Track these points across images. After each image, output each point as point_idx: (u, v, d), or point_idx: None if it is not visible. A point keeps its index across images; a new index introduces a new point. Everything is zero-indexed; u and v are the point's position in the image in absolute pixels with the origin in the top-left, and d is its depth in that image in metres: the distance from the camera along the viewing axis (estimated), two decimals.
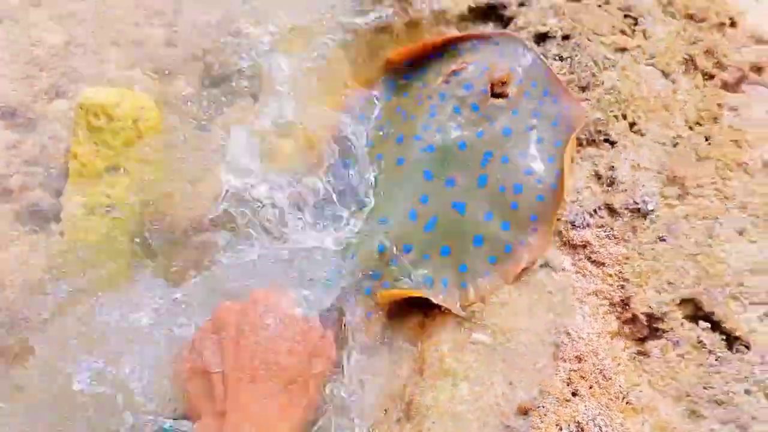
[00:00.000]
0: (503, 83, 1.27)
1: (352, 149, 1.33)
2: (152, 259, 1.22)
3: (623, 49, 1.42)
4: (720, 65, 1.49)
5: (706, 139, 1.34)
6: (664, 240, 1.19)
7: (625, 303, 1.14)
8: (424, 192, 1.20)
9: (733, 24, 1.59)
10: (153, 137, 1.24)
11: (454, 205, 1.18)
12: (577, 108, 1.26)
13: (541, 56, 1.34)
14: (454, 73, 1.29)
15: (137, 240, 1.21)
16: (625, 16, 1.49)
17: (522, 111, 1.27)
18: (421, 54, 1.39)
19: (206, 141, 1.34)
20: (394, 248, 1.16)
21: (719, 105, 1.42)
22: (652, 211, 1.21)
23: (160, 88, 1.34)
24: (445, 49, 1.37)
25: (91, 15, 1.39)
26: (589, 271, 1.18)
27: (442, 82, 1.30)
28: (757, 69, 1.52)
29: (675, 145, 1.32)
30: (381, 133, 1.34)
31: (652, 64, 1.43)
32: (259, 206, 1.27)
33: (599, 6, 1.48)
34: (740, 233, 1.23)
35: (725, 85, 1.48)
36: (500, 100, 1.27)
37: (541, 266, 1.19)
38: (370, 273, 1.15)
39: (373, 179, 1.27)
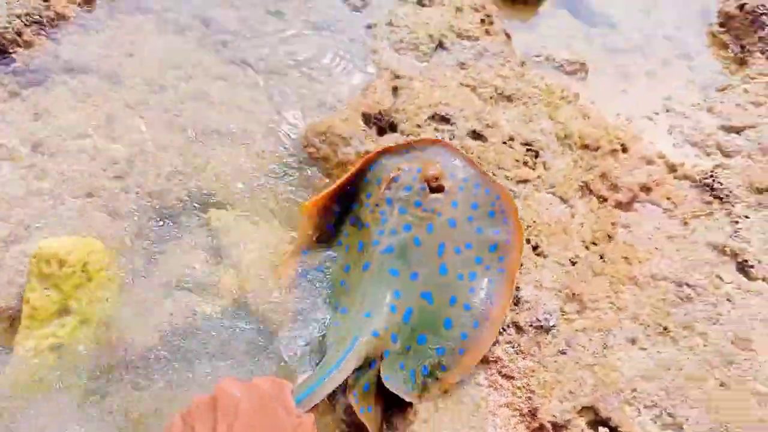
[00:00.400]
0: (437, 178, 1.48)
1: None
2: (103, 394, 1.34)
3: (525, 181, 1.68)
4: (614, 187, 1.75)
5: (601, 257, 1.57)
6: (565, 353, 1.38)
7: (532, 413, 1.30)
8: (395, 288, 1.36)
9: (624, 150, 1.88)
10: (101, 278, 1.40)
11: (422, 295, 1.36)
12: (505, 195, 1.49)
13: (465, 154, 1.58)
14: (393, 179, 1.49)
15: (87, 377, 1.33)
16: (528, 150, 1.76)
17: (460, 202, 1.48)
18: (360, 168, 1.58)
19: (154, 276, 1.51)
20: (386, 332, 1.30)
21: (613, 224, 1.66)
22: (553, 326, 1.41)
23: (110, 230, 1.52)
24: (380, 159, 1.58)
25: (50, 168, 1.59)
26: (501, 385, 1.35)
27: (385, 189, 1.49)
28: (647, 188, 1.79)
29: (573, 264, 1.54)
30: (341, 245, 1.52)
31: (552, 193, 1.68)
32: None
33: (504, 143, 1.75)
34: (632, 342, 1.43)
35: (619, 205, 1.74)
36: (439, 194, 1.48)
37: (459, 382, 1.35)
38: (368, 363, 1.28)
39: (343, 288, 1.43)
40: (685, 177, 1.91)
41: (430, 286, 1.37)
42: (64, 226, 1.51)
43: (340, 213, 1.56)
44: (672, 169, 1.93)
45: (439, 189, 1.48)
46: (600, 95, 2.26)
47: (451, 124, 1.77)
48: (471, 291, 1.37)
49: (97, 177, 1.59)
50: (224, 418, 0.91)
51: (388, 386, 1.25)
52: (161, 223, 1.56)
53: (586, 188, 1.72)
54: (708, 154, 2.07)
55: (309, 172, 1.72)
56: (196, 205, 1.60)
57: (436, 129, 1.76)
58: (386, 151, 1.59)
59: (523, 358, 1.38)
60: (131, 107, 1.74)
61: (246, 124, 1.79)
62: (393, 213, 1.45)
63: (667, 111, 2.27)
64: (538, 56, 2.34)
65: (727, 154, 2.04)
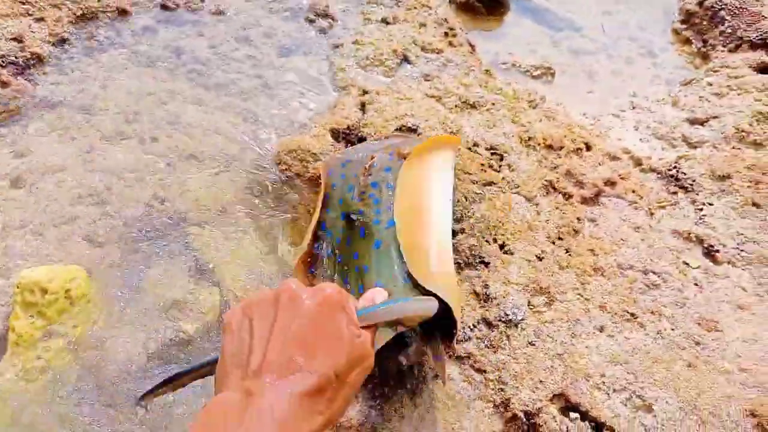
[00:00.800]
0: (408, 155, 1.56)
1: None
2: (90, 414, 1.40)
3: (491, 183, 1.75)
4: (579, 184, 1.83)
5: (567, 251, 1.64)
6: (534, 344, 1.44)
7: (505, 404, 1.36)
8: None
9: (588, 148, 1.96)
10: (84, 302, 1.47)
11: None
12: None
13: (415, 136, 1.72)
14: (372, 165, 1.57)
15: (74, 398, 1.39)
16: (492, 154, 1.85)
17: None
18: (335, 161, 1.67)
19: (137, 298, 1.58)
20: None
21: (578, 219, 1.74)
22: (522, 320, 1.48)
23: (91, 256, 1.59)
24: (346, 158, 1.67)
25: (30, 201, 1.66)
26: (474, 379, 1.41)
27: (366, 176, 1.56)
28: (612, 183, 1.87)
29: (540, 259, 1.61)
30: (339, 243, 1.54)
31: (517, 192, 1.76)
32: None
33: (469, 149, 1.83)
34: (600, 330, 1.50)
35: (584, 201, 1.81)
36: None
37: (434, 377, 1.41)
38: None
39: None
40: (651, 170, 2.00)
41: None
42: (47, 255, 1.58)
43: (329, 211, 1.62)
44: (638, 162, 2.02)
45: None
46: (567, 97, 2.36)
47: (418, 134, 1.85)
48: None
49: (75, 206, 1.66)
50: (284, 314, 0.87)
51: None
52: (142, 246, 1.63)
53: (550, 186, 1.79)
54: (674, 147, 2.16)
55: (283, 188, 1.79)
56: (175, 227, 1.67)
57: None
58: (353, 146, 1.69)
59: (494, 352, 1.44)
60: (108, 137, 1.82)
61: (221, 146, 1.87)
62: (382, 192, 1.52)
63: (634, 107, 2.36)
64: (504, 63, 2.44)
65: (692, 145, 2.12)
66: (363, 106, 1.97)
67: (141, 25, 2.13)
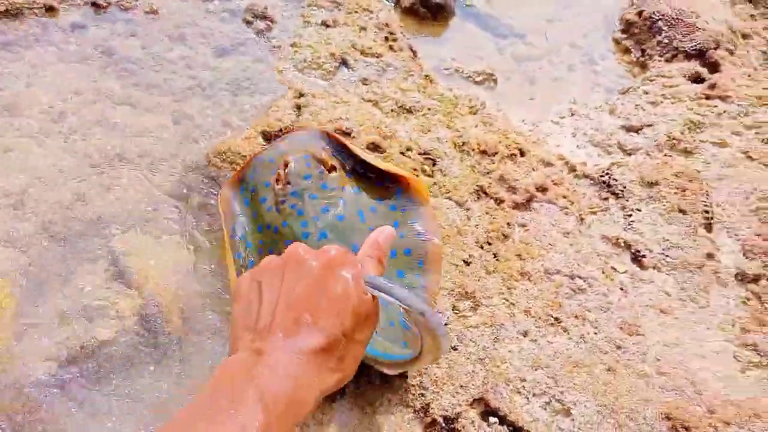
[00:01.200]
0: (326, 161, 1.56)
1: None
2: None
3: None
4: (511, 189, 1.85)
5: (495, 256, 1.66)
6: (456, 349, 1.45)
7: (425, 409, 1.36)
8: None
9: (522, 154, 1.99)
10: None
11: None
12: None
13: (322, 130, 1.71)
14: (288, 173, 1.52)
15: None
16: (425, 158, 1.85)
17: (351, 171, 1.62)
18: (242, 176, 1.63)
19: (52, 305, 1.53)
20: None
21: (509, 224, 1.75)
22: (445, 324, 1.48)
23: (6, 261, 1.54)
24: (255, 165, 1.63)
25: None
26: (394, 384, 1.40)
27: (285, 184, 1.52)
28: (543, 189, 1.90)
29: (468, 264, 1.62)
30: (261, 254, 1.51)
31: (449, 197, 1.76)
32: None
33: (402, 153, 1.83)
34: (524, 335, 1.51)
35: (516, 206, 1.83)
36: (333, 173, 1.56)
37: (354, 382, 1.40)
38: None
39: None
40: (585, 176, 2.03)
41: None
42: None
43: (247, 228, 1.58)
44: (572, 169, 2.05)
45: (332, 169, 1.57)
46: (508, 103, 2.39)
47: (352, 138, 1.85)
48: (401, 236, 1.46)
49: None
50: (291, 276, 0.91)
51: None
52: (60, 249, 1.59)
53: (482, 191, 1.81)
54: (609, 153, 2.20)
55: (211, 191, 1.77)
56: (97, 229, 1.62)
57: None
58: (257, 155, 1.65)
59: None
60: (29, 137, 1.77)
61: (149, 147, 1.84)
62: (305, 202, 1.49)
63: (573, 114, 2.40)
64: (447, 69, 2.45)
65: (627, 152, 2.17)
66: (299, 109, 1.96)
67: (70, 22, 2.08)
